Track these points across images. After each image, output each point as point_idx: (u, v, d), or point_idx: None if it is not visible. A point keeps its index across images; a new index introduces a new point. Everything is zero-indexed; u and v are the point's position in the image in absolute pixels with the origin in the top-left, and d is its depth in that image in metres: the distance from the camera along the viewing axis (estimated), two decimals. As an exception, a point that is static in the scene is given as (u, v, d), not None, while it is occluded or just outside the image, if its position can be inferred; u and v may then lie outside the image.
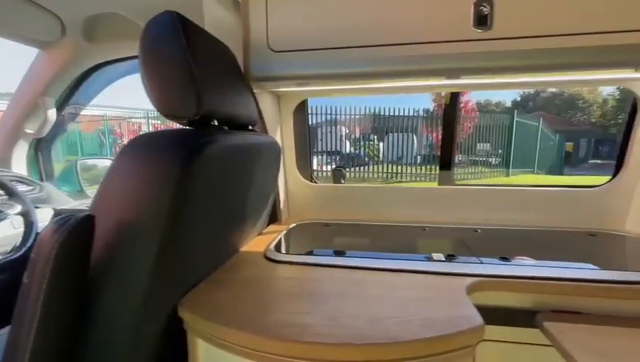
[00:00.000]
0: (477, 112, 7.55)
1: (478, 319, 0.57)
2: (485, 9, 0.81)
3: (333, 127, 7.54)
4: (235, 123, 0.80)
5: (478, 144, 7.93)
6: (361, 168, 7.75)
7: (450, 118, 1.26)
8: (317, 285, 0.72)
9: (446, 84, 1.07)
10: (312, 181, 1.38)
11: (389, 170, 7.36)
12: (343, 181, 1.44)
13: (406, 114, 7.27)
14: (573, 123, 12.57)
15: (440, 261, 0.83)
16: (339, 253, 0.91)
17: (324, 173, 7.46)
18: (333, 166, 7.89)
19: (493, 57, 0.83)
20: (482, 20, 0.81)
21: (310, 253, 0.95)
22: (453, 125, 1.27)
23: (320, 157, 7.83)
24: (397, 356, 0.52)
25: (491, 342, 0.78)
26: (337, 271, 0.79)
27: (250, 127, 0.89)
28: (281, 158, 1.25)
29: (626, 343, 0.62)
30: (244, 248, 0.94)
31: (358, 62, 0.87)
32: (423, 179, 7.07)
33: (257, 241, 1.00)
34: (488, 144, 8.02)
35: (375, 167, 7.63)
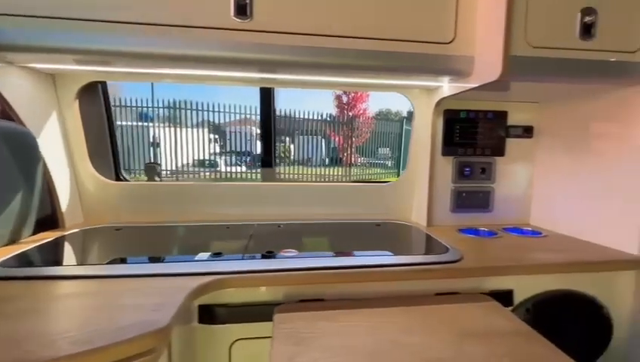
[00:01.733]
0: (374, 119, 8.24)
1: (162, 322, 0.52)
2: None
3: (244, 127, 7.28)
4: None
5: (379, 148, 8.66)
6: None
7: (267, 118, 1.26)
8: (7, 302, 0.59)
9: (244, 76, 1.05)
10: (118, 179, 1.21)
11: (300, 172, 7.45)
12: (158, 178, 1.31)
13: (315, 117, 7.45)
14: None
15: (200, 261, 0.79)
16: (113, 261, 0.80)
17: (235, 174, 7.12)
18: (243, 167, 7.62)
19: (255, 49, 0.82)
20: (242, 10, 0.79)
21: (56, 263, 0.81)
22: (269, 124, 1.27)
23: (229, 157, 7.48)
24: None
25: (246, 340, 0.76)
26: (62, 283, 0.67)
27: None
28: (68, 152, 1.06)
29: (337, 324, 0.66)
30: None
31: (109, 40, 0.77)
32: (328, 179, 7.35)
33: (-3, 252, 0.80)
34: (388, 148, 8.84)
35: (286, 168, 7.64)
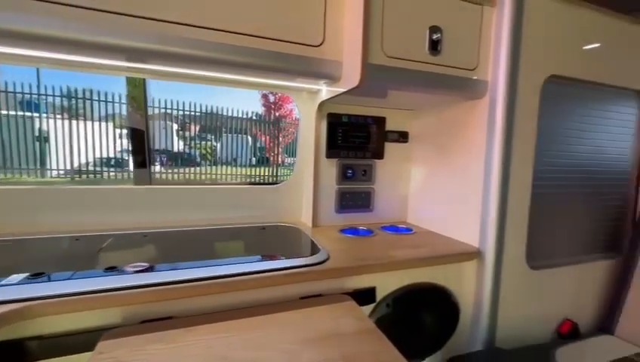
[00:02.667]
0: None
1: None
2: None
3: (161, 122, 6.60)
4: None
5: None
6: (191, 169, 7.10)
7: (138, 113, 1.12)
8: None
9: (100, 63, 0.90)
10: None
11: (225, 172, 7.07)
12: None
13: (242, 116, 7.14)
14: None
15: (7, 285, 0.63)
16: None
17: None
18: (157, 167, 6.92)
19: (92, 31, 0.69)
20: None
21: None
22: (144, 122, 1.13)
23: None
24: None
25: None
26: None
27: None
28: None
29: (170, 346, 0.59)
30: None
31: None
32: (254, 180, 7.16)
33: None
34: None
35: (209, 168, 7.17)
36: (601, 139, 1.20)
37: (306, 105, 1.20)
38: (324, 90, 1.07)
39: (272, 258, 0.86)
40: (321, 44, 0.89)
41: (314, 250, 0.93)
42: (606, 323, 1.13)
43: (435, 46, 0.91)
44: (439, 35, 0.91)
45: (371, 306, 0.90)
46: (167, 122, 6.69)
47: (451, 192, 1.14)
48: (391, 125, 1.29)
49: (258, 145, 8.03)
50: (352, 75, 0.87)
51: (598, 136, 1.20)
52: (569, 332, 1.09)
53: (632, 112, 1.24)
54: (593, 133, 1.19)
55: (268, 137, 7.67)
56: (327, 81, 0.97)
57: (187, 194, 1.14)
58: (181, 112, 6.56)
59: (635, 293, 1.08)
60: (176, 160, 7.13)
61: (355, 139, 1.22)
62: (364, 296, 0.87)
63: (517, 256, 1.02)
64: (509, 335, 1.02)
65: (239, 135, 7.35)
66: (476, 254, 1.00)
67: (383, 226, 1.24)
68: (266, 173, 7.71)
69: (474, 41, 0.96)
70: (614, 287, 1.15)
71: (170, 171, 6.69)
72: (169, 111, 6.29)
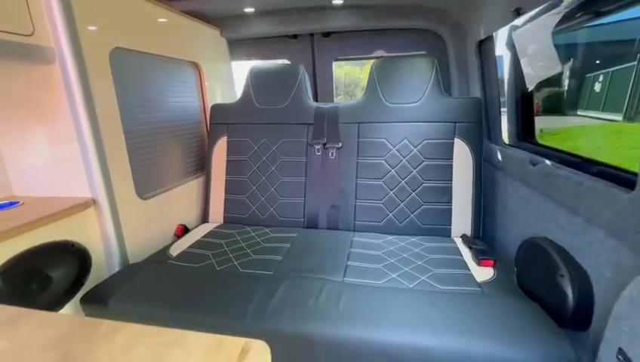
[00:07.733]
0: None
1: None
2: None
3: None
4: None
5: None
6: None
7: None
8: None
9: None
10: None
11: None
12: None
13: None
14: None
15: None
16: None
17: None
18: None
19: None
20: None
21: None
22: None
23: None
24: None
25: None
26: None
27: None
28: None
29: None
30: None
31: None
32: None
33: None
34: None
35: None
36: (182, 97, 1.70)
37: None
38: None
39: None
40: None
41: None
42: (204, 217, 1.79)
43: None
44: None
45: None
46: None
47: (51, 154, 1.18)
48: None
49: None
50: None
51: (181, 95, 1.69)
52: (182, 233, 1.62)
53: (194, 77, 1.83)
54: (178, 93, 1.66)
55: None
56: None
57: None
58: None
59: (212, 193, 1.77)
60: None
61: None
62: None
63: (128, 195, 1.31)
64: (141, 254, 1.36)
65: None
66: (91, 203, 1.18)
67: None
68: None
69: (22, 5, 0.96)
70: (204, 194, 1.80)
71: None
72: None
